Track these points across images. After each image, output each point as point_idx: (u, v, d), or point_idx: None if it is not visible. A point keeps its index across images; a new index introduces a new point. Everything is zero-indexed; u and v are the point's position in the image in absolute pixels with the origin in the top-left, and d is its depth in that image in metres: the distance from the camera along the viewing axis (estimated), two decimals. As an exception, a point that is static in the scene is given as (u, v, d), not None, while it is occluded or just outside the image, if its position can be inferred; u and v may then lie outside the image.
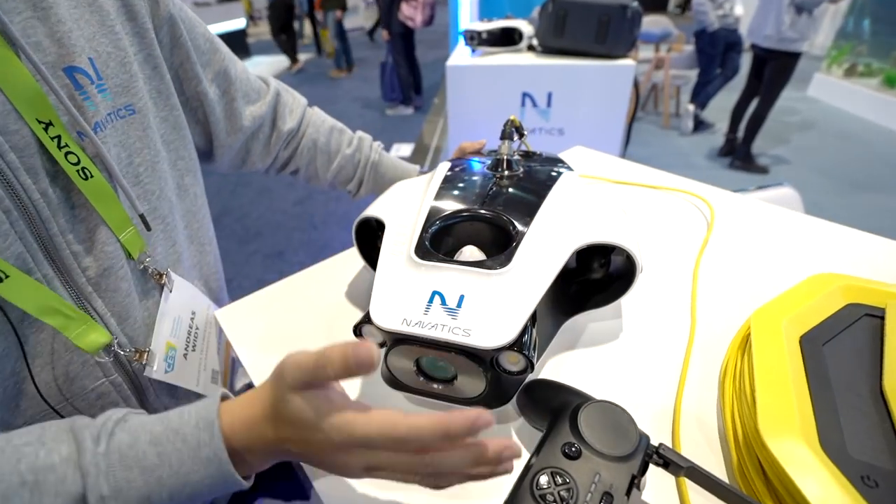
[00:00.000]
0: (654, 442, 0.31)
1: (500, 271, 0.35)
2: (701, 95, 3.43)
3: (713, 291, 0.50)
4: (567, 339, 0.45)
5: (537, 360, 0.41)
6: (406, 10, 3.56)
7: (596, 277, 0.47)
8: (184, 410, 0.30)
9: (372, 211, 0.47)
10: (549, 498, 0.27)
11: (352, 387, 0.42)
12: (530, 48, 1.86)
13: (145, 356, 0.40)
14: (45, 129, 0.32)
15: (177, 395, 0.46)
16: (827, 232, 0.59)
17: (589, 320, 0.47)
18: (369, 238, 0.50)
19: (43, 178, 0.33)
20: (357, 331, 0.36)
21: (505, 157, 0.51)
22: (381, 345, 0.36)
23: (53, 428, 0.28)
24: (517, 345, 0.32)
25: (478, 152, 0.63)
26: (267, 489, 0.55)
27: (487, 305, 0.33)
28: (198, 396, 0.48)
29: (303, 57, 6.51)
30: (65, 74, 0.34)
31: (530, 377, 0.41)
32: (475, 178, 0.49)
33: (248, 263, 2.27)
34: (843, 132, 3.51)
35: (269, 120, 0.59)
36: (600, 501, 0.26)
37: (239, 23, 6.64)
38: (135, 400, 0.41)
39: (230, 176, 3.01)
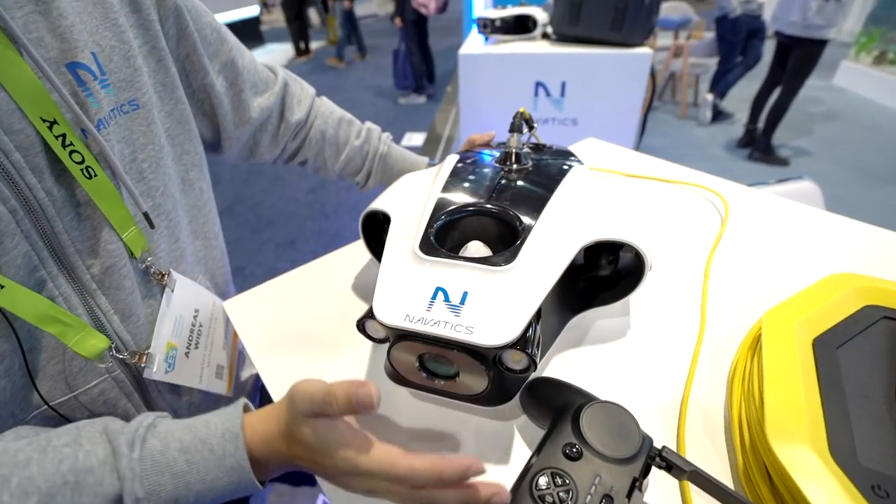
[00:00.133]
0: (658, 444, 0.31)
1: (505, 268, 0.35)
2: (720, 84, 3.34)
3: (725, 290, 0.49)
4: (573, 336, 0.45)
5: (541, 358, 0.41)
6: (419, -3, 3.51)
7: (604, 274, 0.46)
8: (209, 420, 0.32)
9: (378, 204, 0.46)
10: (549, 499, 0.26)
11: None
12: (545, 36, 1.83)
13: (144, 358, 0.40)
14: (50, 128, 0.32)
15: (179, 392, 0.46)
16: (846, 229, 0.57)
17: (596, 317, 0.47)
18: (376, 230, 0.50)
19: (48, 177, 0.33)
20: (360, 325, 0.36)
21: (513, 151, 0.50)
22: (385, 340, 0.36)
23: (88, 429, 0.31)
24: (520, 343, 0.31)
25: (487, 144, 0.62)
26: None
27: (491, 303, 0.33)
28: (200, 393, 0.49)
29: (315, 45, 6.49)
30: (67, 71, 0.33)
31: (534, 375, 0.41)
32: (483, 171, 0.48)
33: (261, 252, 2.30)
34: (869, 123, 3.39)
35: (278, 111, 0.58)
36: (600, 503, 0.26)
37: (252, 10, 6.63)
38: (137, 396, 0.42)
39: (243, 164, 3.04)
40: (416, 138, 3.41)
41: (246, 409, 0.34)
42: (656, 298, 0.49)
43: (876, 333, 0.37)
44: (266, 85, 0.56)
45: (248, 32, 6.64)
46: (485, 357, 0.32)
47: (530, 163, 0.50)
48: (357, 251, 0.59)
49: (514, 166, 0.49)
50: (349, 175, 0.66)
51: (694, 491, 0.32)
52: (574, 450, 0.29)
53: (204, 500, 0.30)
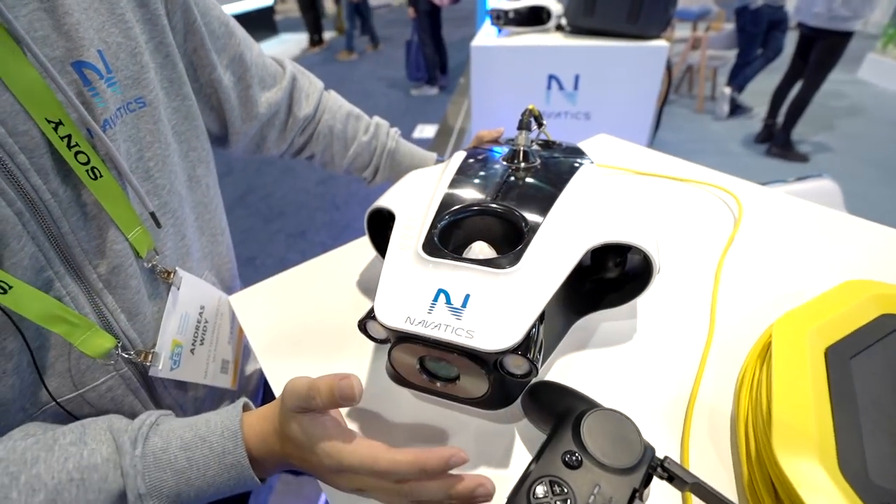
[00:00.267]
0: (661, 453, 0.30)
1: (508, 271, 0.34)
2: (739, 77, 3.26)
3: (736, 294, 0.48)
4: (578, 339, 0.44)
5: (543, 362, 0.40)
6: (433, -13, 3.48)
7: (611, 276, 0.45)
8: (210, 419, 0.33)
9: (383, 202, 0.46)
10: (546, 508, 0.26)
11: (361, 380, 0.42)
12: (559, 28, 1.80)
13: (150, 357, 0.41)
14: (55, 129, 0.32)
15: (185, 387, 0.47)
16: (866, 232, 0.56)
17: (602, 319, 0.46)
18: (382, 227, 0.49)
19: (53, 178, 0.33)
20: (362, 326, 0.36)
21: (521, 149, 0.49)
22: (386, 341, 0.36)
23: (93, 427, 0.32)
24: (521, 348, 0.31)
25: (495, 141, 0.61)
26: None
27: (493, 306, 0.32)
28: (206, 388, 0.49)
29: (329, 35, 6.48)
30: (73, 70, 0.33)
31: (537, 378, 0.40)
32: (489, 169, 0.47)
33: (272, 242, 2.32)
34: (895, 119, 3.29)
35: (285, 106, 0.58)
36: (598, 514, 0.26)
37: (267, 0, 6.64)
38: (144, 392, 0.42)
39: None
40: (428, 130, 3.39)
41: (246, 408, 0.35)
42: (665, 301, 0.48)
43: (892, 344, 0.36)
44: (274, 79, 0.56)
45: (263, 22, 6.65)
46: (485, 361, 0.32)
47: (538, 161, 0.49)
48: (365, 246, 0.59)
49: (522, 165, 0.48)
50: (357, 170, 0.66)
51: (697, 502, 0.31)
52: (574, 458, 0.28)
53: (205, 495, 0.31)
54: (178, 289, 0.43)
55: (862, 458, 0.29)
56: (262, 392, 0.63)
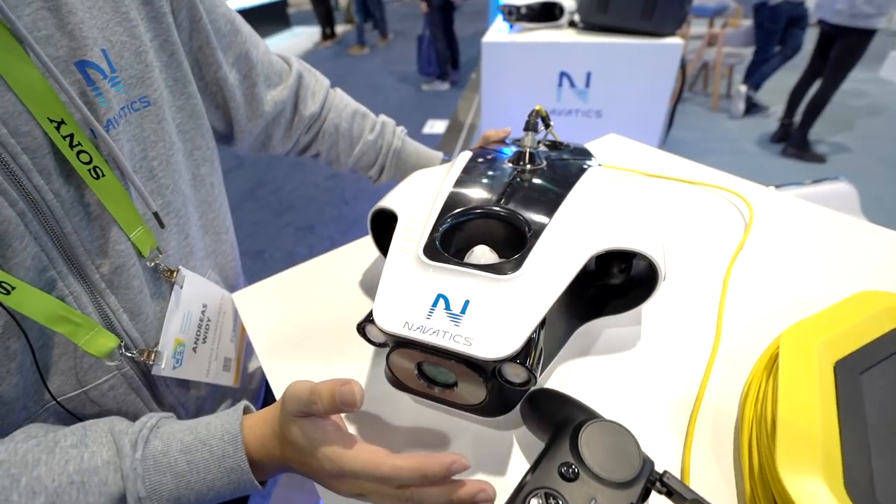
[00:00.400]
0: (661, 465, 0.30)
1: (509, 277, 0.34)
2: (755, 75, 3.19)
3: (744, 302, 0.47)
4: (580, 345, 0.43)
5: (544, 369, 0.40)
6: (445, -19, 3.45)
7: (615, 283, 0.45)
8: (210, 422, 0.33)
9: (386, 202, 0.46)
10: (540, 521, 0.26)
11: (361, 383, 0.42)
12: (571, 24, 1.77)
13: (153, 356, 0.41)
14: (57, 128, 0.31)
15: (187, 385, 0.47)
16: (882, 240, 0.54)
17: (605, 325, 0.45)
18: (385, 226, 0.49)
19: (56, 178, 0.32)
20: (361, 329, 0.35)
21: (527, 150, 0.48)
22: (384, 345, 0.36)
23: (94, 429, 0.32)
24: (520, 357, 0.30)
25: (502, 141, 0.61)
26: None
27: (493, 313, 0.32)
28: (208, 386, 0.50)
29: (341, 29, 6.48)
30: (77, 70, 0.33)
31: (538, 383, 0.40)
32: (494, 171, 0.47)
33: (281, 236, 2.33)
34: (917, 119, 3.20)
35: (291, 104, 0.58)
36: (594, 528, 0.25)
37: (279, -7, 6.65)
38: (146, 391, 0.42)
39: (266, 149, 3.09)
40: (438, 126, 3.38)
41: (247, 411, 0.35)
42: (670, 308, 0.47)
43: (905, 359, 0.35)
44: (280, 77, 0.56)
45: (276, 15, 6.67)
46: (483, 369, 0.31)
47: (544, 163, 0.48)
48: (371, 244, 0.59)
49: (528, 167, 0.47)
50: (362, 169, 0.66)
51: (696, 517, 0.30)
52: (570, 470, 0.28)
53: (205, 498, 0.31)
54: (181, 288, 0.44)
55: (869, 478, 0.28)
56: (264, 390, 0.63)
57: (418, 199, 0.44)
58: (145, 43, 0.38)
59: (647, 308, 0.47)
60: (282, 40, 6.43)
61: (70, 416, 0.38)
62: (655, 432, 0.36)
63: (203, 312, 0.47)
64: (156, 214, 0.39)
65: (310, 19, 6.71)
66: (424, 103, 3.86)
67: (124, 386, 0.40)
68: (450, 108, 3.71)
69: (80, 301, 0.36)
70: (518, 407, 0.36)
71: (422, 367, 0.34)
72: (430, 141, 3.14)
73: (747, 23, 3.43)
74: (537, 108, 0.52)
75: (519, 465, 0.35)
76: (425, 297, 0.33)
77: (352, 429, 0.38)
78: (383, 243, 0.50)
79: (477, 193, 0.43)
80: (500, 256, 0.38)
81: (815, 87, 2.67)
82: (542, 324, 0.34)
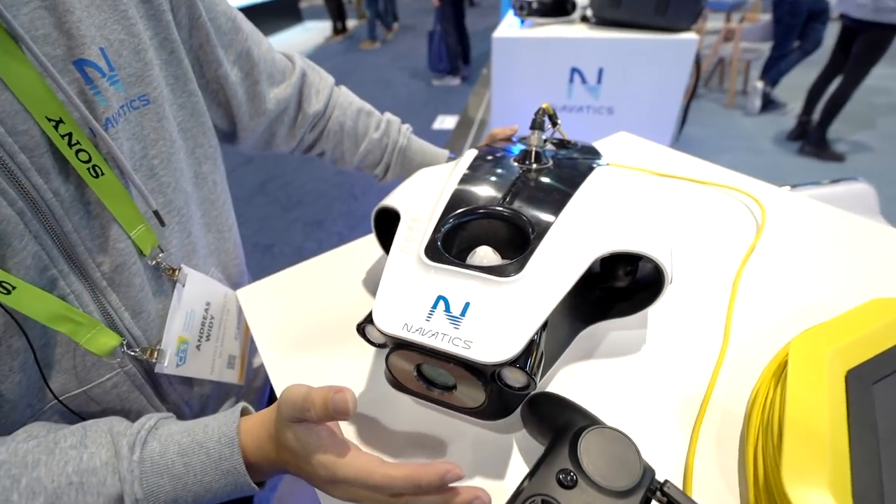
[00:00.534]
0: (663, 475, 0.29)
1: (511, 279, 0.33)
2: (773, 71, 3.12)
3: (754, 307, 0.46)
4: (584, 348, 0.43)
5: (546, 372, 0.39)
6: (457, -25, 3.42)
7: (621, 285, 0.44)
8: (208, 424, 0.33)
9: (389, 201, 0.45)
10: (536, 529, 0.25)
11: (359, 385, 0.42)
12: (584, 19, 1.74)
13: (156, 354, 0.41)
14: (56, 127, 0.31)
15: (191, 383, 0.47)
16: (900, 244, 0.52)
17: (610, 328, 0.45)
18: (389, 224, 0.49)
19: (55, 177, 0.33)
20: (360, 330, 0.35)
21: (533, 149, 0.48)
22: (384, 345, 0.36)
23: (94, 429, 0.32)
24: (520, 361, 0.30)
25: (508, 139, 0.60)
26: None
27: (493, 316, 0.31)
28: (212, 384, 0.50)
29: (352, 23, 6.47)
30: (75, 68, 0.33)
31: (539, 387, 0.39)
32: (499, 170, 0.46)
33: (290, 231, 2.34)
34: (942, 118, 3.11)
35: (295, 102, 0.57)
36: (591, 538, 0.25)
37: (291, -13, 6.66)
38: (149, 388, 0.43)
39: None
40: (449, 121, 3.36)
41: (246, 413, 0.35)
42: (678, 311, 0.46)
43: (920, 369, 0.34)
44: (283, 75, 0.55)
45: (287, 10, 6.69)
46: (482, 372, 0.31)
47: (551, 162, 0.47)
48: (374, 242, 0.59)
49: (534, 166, 0.47)
50: (367, 167, 0.65)
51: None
52: (569, 477, 0.27)
53: (202, 500, 0.31)
54: (184, 286, 0.44)
55: (879, 494, 0.27)
56: (269, 387, 0.64)
57: (421, 198, 0.44)
58: (144, 41, 0.38)
59: (654, 311, 0.46)
60: (293, 35, 6.45)
61: (73, 414, 0.38)
62: (658, 439, 0.35)
63: (206, 310, 0.47)
64: (156, 213, 0.39)
65: (321, 14, 6.72)
66: (435, 99, 3.84)
67: (127, 384, 0.40)
68: (460, 104, 3.69)
69: (82, 300, 0.36)
70: (518, 410, 0.36)
71: (421, 369, 0.34)
72: (440, 137, 3.13)
73: (766, 17, 3.35)
74: (544, 105, 0.51)
75: (518, 470, 0.34)
76: (425, 299, 0.33)
77: (350, 429, 0.38)
78: (388, 242, 0.50)
79: (481, 193, 0.42)
80: (504, 257, 0.38)
81: (835, 83, 2.60)
82: (544, 326, 0.34)
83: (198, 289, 0.46)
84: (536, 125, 0.49)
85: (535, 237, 0.37)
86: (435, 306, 0.32)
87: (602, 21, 1.66)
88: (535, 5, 1.71)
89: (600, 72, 1.66)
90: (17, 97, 0.30)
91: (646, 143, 0.79)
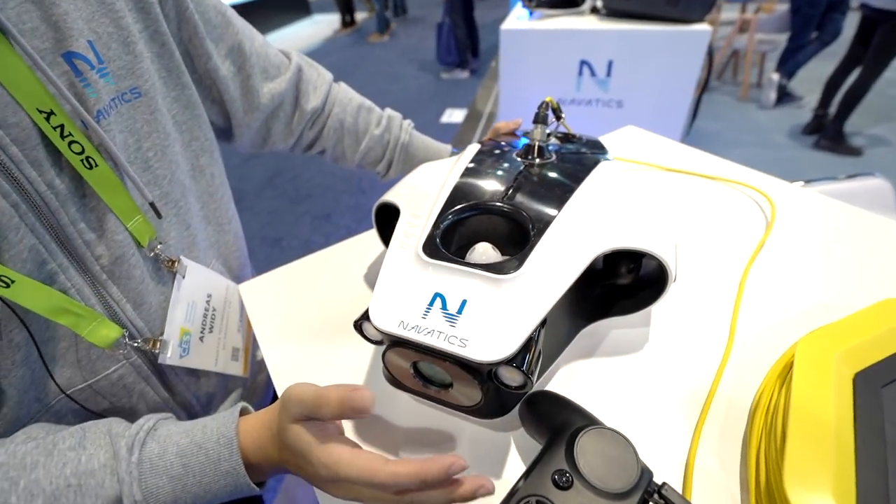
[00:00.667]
0: (661, 477, 0.29)
1: (509, 277, 0.33)
2: (789, 63, 3.05)
3: (761, 306, 0.45)
4: (585, 346, 0.42)
5: (545, 370, 0.39)
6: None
7: (623, 283, 0.43)
8: (207, 425, 0.33)
9: (389, 196, 0.45)
10: (530, 531, 0.25)
11: (357, 381, 0.42)
12: (594, 11, 1.72)
13: (158, 344, 0.41)
14: (47, 119, 0.32)
15: (197, 373, 0.48)
16: (915, 242, 0.51)
17: (612, 326, 0.44)
18: (391, 219, 0.48)
19: (48, 169, 0.32)
20: (357, 326, 0.35)
21: (536, 144, 0.47)
22: (381, 342, 0.35)
23: (93, 431, 0.32)
24: (516, 360, 0.29)
25: (512, 134, 0.59)
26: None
27: (490, 314, 0.31)
28: (218, 376, 0.50)
29: (361, 16, 6.45)
30: (64, 61, 0.33)
31: (539, 385, 0.39)
32: (501, 165, 0.45)
33: (298, 224, 2.36)
34: (964, 111, 3.01)
35: (291, 98, 0.57)
36: (586, 540, 0.25)
37: (300, -20, 6.65)
38: (155, 379, 0.43)
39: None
40: (457, 115, 3.34)
41: (246, 412, 0.35)
42: (681, 310, 0.45)
43: (932, 373, 0.33)
44: (278, 70, 0.55)
45: (295, 3, 6.68)
46: (478, 371, 0.31)
47: (554, 157, 0.47)
48: (377, 237, 0.58)
49: (537, 160, 0.46)
50: (369, 164, 0.65)
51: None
52: (564, 478, 0.27)
53: (202, 501, 0.31)
54: (184, 277, 0.44)
55: (885, 501, 0.26)
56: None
57: (421, 194, 0.43)
58: (133, 34, 0.38)
59: (657, 309, 0.45)
60: (302, 28, 6.44)
61: (82, 408, 0.39)
62: (659, 440, 0.35)
63: (208, 302, 0.48)
64: (152, 204, 0.39)
65: (330, 7, 6.70)
66: (443, 92, 3.82)
67: (133, 375, 0.41)
68: (468, 98, 3.66)
69: (83, 293, 0.36)
70: (517, 409, 0.35)
71: (417, 367, 0.34)
72: (448, 130, 3.12)
73: (783, 7, 3.27)
74: (548, 99, 0.50)
75: (515, 469, 0.34)
76: (422, 296, 0.33)
77: (348, 427, 0.38)
78: (389, 237, 0.49)
79: (482, 188, 0.42)
80: (504, 254, 0.37)
81: (854, 75, 2.53)
82: (543, 324, 0.33)
83: (198, 281, 0.46)
84: (539, 119, 0.48)
85: (535, 234, 0.36)
86: (431, 304, 0.32)
87: (612, 12, 1.63)
88: (544, -4, 1.69)
89: (610, 64, 1.63)
90: (7, 89, 0.30)
91: (653, 138, 0.78)
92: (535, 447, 0.31)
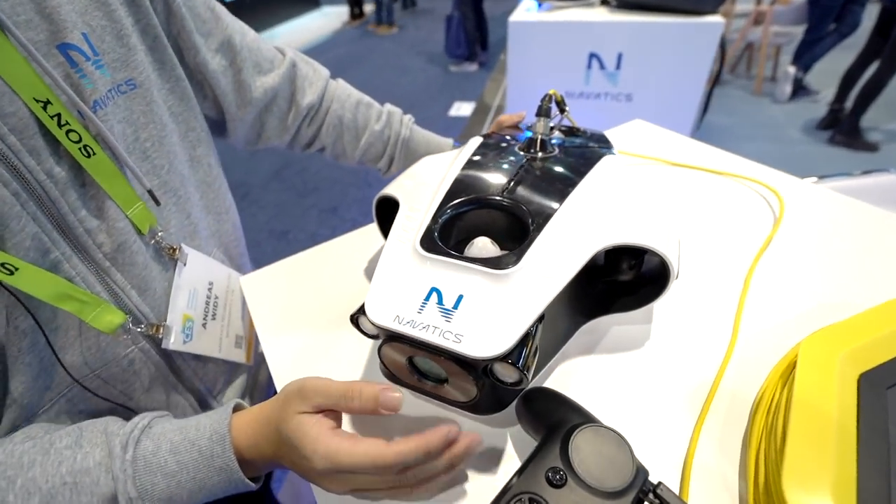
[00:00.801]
0: (657, 476, 0.28)
1: (506, 272, 0.32)
2: (805, 56, 2.98)
3: (766, 304, 0.44)
4: (584, 342, 0.42)
5: (543, 366, 0.39)
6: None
7: (625, 279, 0.42)
8: (200, 422, 0.33)
9: (389, 189, 0.45)
10: (521, 528, 0.25)
11: (355, 375, 0.42)
12: (604, 2, 1.69)
13: (161, 330, 0.41)
14: (44, 108, 0.32)
15: (203, 358, 0.48)
16: (928, 241, 0.49)
17: (612, 323, 0.43)
18: (392, 213, 0.48)
19: (47, 158, 0.33)
20: (354, 320, 0.35)
21: (539, 137, 0.46)
22: (377, 336, 0.35)
23: (90, 429, 0.33)
24: (511, 357, 0.29)
25: (516, 127, 0.58)
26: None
27: (486, 309, 0.31)
28: (223, 363, 0.51)
29: (369, 8, 6.42)
30: (59, 52, 0.33)
31: (536, 381, 0.39)
32: (503, 159, 0.45)
33: (305, 217, 2.36)
34: None
35: (286, 93, 0.56)
36: (578, 539, 0.24)
37: (310, -28, 6.62)
38: (164, 364, 0.44)
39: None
40: (465, 108, 3.32)
41: (240, 408, 0.35)
42: (684, 307, 0.44)
43: (940, 375, 0.32)
44: (271, 64, 0.54)
45: (305, -5, 6.66)
46: (474, 367, 0.30)
47: (557, 150, 0.46)
48: (378, 231, 0.58)
49: (539, 154, 0.45)
50: (370, 161, 0.64)
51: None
52: (558, 476, 0.27)
53: (197, 497, 0.32)
54: (185, 265, 0.44)
55: (886, 504, 0.26)
56: None
57: (421, 187, 0.43)
58: (127, 27, 0.38)
59: (659, 306, 0.45)
60: (311, 20, 6.42)
61: (95, 396, 0.39)
62: (656, 439, 0.34)
63: (210, 290, 0.48)
64: (150, 192, 0.40)
65: (340, -1, 6.68)
66: (451, 85, 3.80)
67: (142, 360, 0.41)
68: (477, 90, 3.64)
69: (88, 281, 0.36)
70: (514, 404, 0.35)
71: (413, 362, 0.34)
72: (457, 124, 3.10)
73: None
74: (551, 91, 0.49)
75: (511, 466, 0.34)
76: (418, 291, 0.33)
77: (344, 419, 0.38)
78: (388, 231, 0.49)
79: (483, 182, 0.41)
80: (503, 248, 0.37)
81: (871, 69, 2.47)
82: (541, 320, 0.33)
83: (199, 268, 0.47)
84: (542, 112, 0.48)
85: (534, 228, 0.36)
86: (427, 298, 0.32)
87: (623, 3, 1.60)
88: (553, -12, 1.67)
89: (619, 57, 1.61)
90: (4, 79, 0.30)
91: (661, 132, 0.76)
92: (531, 444, 0.31)
